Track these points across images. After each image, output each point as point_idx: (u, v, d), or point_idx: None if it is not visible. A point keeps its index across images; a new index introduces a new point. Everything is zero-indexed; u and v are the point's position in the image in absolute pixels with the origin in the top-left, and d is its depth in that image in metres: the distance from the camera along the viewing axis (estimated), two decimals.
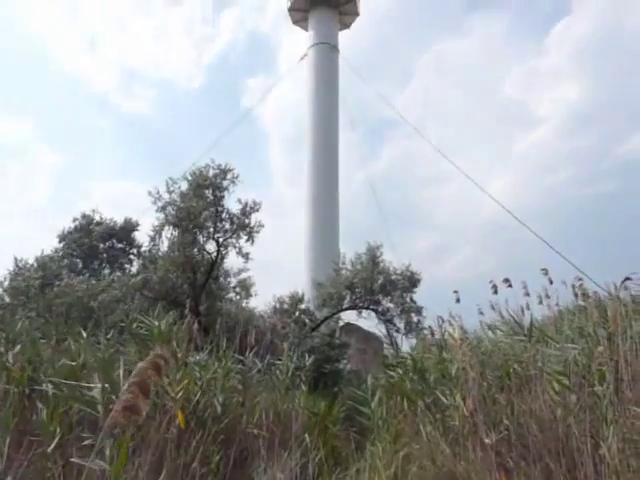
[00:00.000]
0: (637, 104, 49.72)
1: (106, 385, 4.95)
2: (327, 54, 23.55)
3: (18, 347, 5.97)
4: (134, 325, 7.40)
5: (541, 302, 6.72)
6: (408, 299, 16.97)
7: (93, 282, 15.22)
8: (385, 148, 52.45)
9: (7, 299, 14.34)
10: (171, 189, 16.75)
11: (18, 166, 53.30)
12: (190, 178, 16.94)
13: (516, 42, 55.88)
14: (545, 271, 6.66)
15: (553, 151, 49.74)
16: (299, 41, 25.30)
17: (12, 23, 52.70)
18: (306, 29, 24.15)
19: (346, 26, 24.58)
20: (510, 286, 6.58)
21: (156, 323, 6.59)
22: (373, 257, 16.86)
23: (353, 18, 24.41)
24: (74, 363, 6.05)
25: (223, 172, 17.01)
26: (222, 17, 60.68)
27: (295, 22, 24.67)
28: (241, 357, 7.73)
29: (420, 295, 16.96)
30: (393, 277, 16.73)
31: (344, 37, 24.14)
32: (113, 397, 5.09)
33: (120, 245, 17.67)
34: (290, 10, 24.58)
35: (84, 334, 6.82)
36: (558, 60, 52.24)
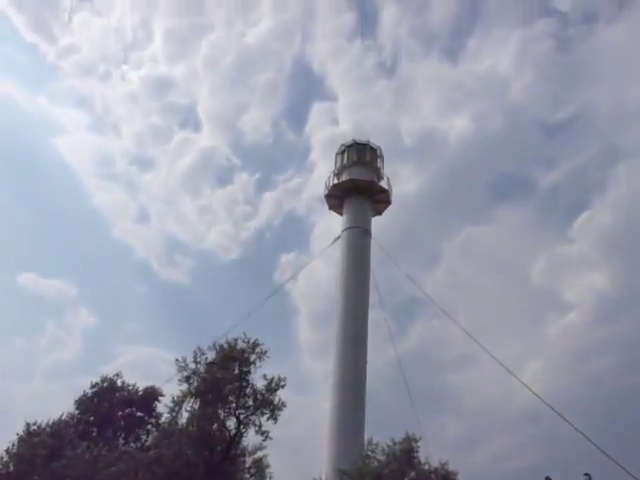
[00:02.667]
0: None
1: None
2: (359, 237, 24.74)
3: None
4: None
5: None
6: None
7: (103, 453, 14.40)
8: (414, 328, 52.16)
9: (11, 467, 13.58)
10: (198, 359, 16.58)
11: (53, 323, 54.48)
12: (218, 349, 16.84)
13: (541, 230, 58.11)
14: (588, 476, 6.07)
15: (586, 337, 48.56)
16: (333, 223, 27.03)
17: (78, 196, 58.13)
18: (341, 214, 25.79)
19: (378, 213, 26.17)
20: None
21: None
22: (409, 450, 15.66)
23: (385, 206, 26.09)
24: None
25: (252, 346, 16.93)
26: (262, 198, 65.86)
27: (330, 208, 26.48)
28: None
29: None
30: (427, 474, 15.37)
31: (376, 221, 25.63)
32: None
33: (139, 414, 17.03)
34: (326, 197, 26.55)
35: None
36: (583, 248, 53.64)
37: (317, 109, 61.97)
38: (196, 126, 72.30)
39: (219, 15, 62.77)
